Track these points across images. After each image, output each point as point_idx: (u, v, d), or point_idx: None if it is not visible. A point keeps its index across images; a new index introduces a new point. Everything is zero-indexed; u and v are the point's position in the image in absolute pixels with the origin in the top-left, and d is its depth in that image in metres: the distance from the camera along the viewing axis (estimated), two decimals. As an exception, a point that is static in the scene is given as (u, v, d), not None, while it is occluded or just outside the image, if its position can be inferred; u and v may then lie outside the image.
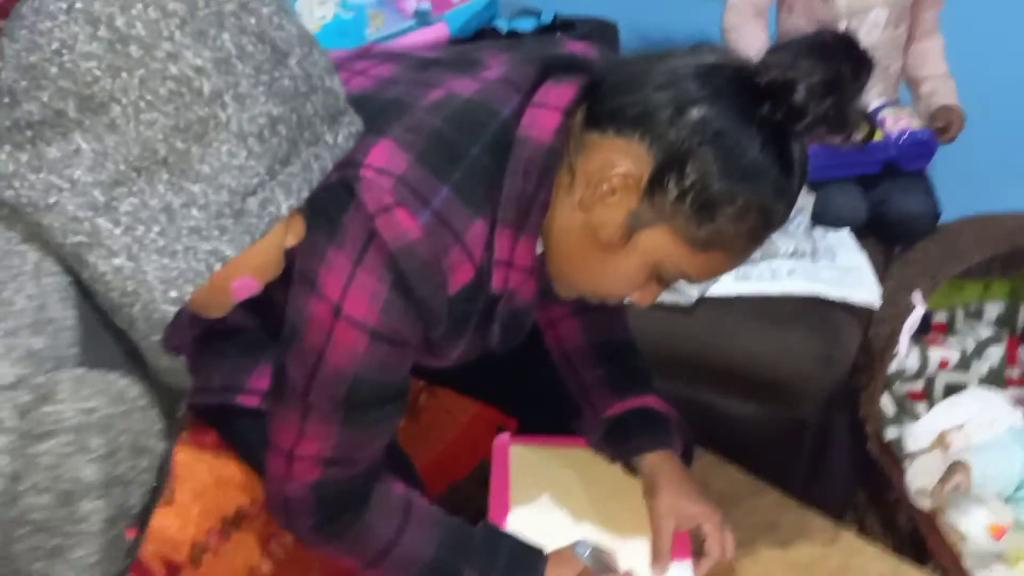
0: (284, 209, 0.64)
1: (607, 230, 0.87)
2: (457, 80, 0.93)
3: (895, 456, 1.63)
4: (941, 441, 1.60)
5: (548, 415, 1.24)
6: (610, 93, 0.88)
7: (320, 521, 0.96)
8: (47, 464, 0.59)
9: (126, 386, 0.61)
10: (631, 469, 1.16)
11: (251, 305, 0.74)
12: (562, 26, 2.25)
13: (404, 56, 1.02)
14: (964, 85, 2.19)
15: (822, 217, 1.85)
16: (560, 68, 0.94)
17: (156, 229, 0.61)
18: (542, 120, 0.89)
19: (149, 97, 0.59)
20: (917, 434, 1.61)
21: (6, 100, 0.60)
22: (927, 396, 1.76)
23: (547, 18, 2.24)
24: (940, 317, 1.85)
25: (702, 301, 1.61)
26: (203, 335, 1.04)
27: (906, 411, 1.73)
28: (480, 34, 2.07)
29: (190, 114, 0.60)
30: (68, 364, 0.59)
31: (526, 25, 2.18)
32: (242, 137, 0.61)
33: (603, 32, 2.32)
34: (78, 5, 0.59)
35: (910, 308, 1.62)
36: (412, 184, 0.84)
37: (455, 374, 1.05)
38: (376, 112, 0.84)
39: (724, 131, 0.82)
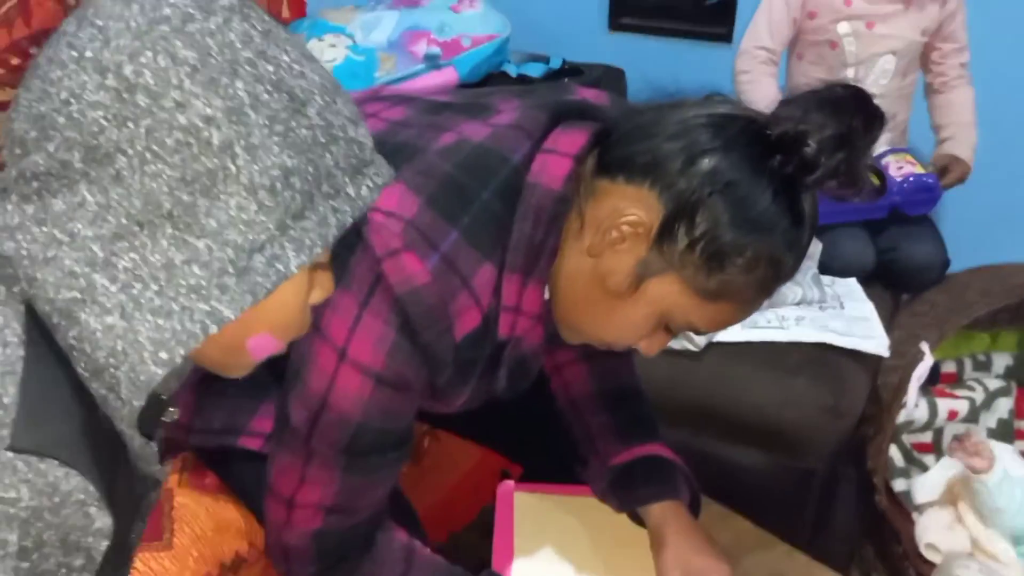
0: (293, 267, 0.61)
1: (616, 278, 0.87)
2: (468, 125, 0.93)
3: (904, 509, 1.61)
4: (950, 493, 1.58)
5: (553, 462, 1.23)
6: (621, 141, 0.88)
7: (321, 570, 0.94)
8: None
9: (59, 478, 0.56)
10: (637, 519, 1.14)
11: None
12: (570, 72, 2.26)
13: (416, 100, 1.03)
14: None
15: (830, 264, 1.84)
16: (571, 115, 0.95)
17: (154, 288, 0.58)
18: (552, 167, 0.89)
19: (155, 148, 0.57)
20: (926, 486, 1.59)
21: (17, 151, 0.58)
22: (936, 448, 1.74)
23: (555, 64, 2.26)
24: (948, 367, 1.84)
25: (710, 347, 1.60)
26: (205, 375, 1.03)
27: (914, 463, 1.71)
28: (489, 78, 2.08)
29: (198, 165, 0.57)
30: None
31: (535, 70, 2.19)
32: (252, 190, 0.58)
33: (611, 78, 2.34)
34: (88, 54, 0.57)
35: (918, 358, 1.61)
36: (421, 228, 0.84)
37: (459, 418, 1.04)
38: (387, 155, 0.84)
39: (735, 182, 0.82)
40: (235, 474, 1.08)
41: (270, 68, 0.60)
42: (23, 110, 0.58)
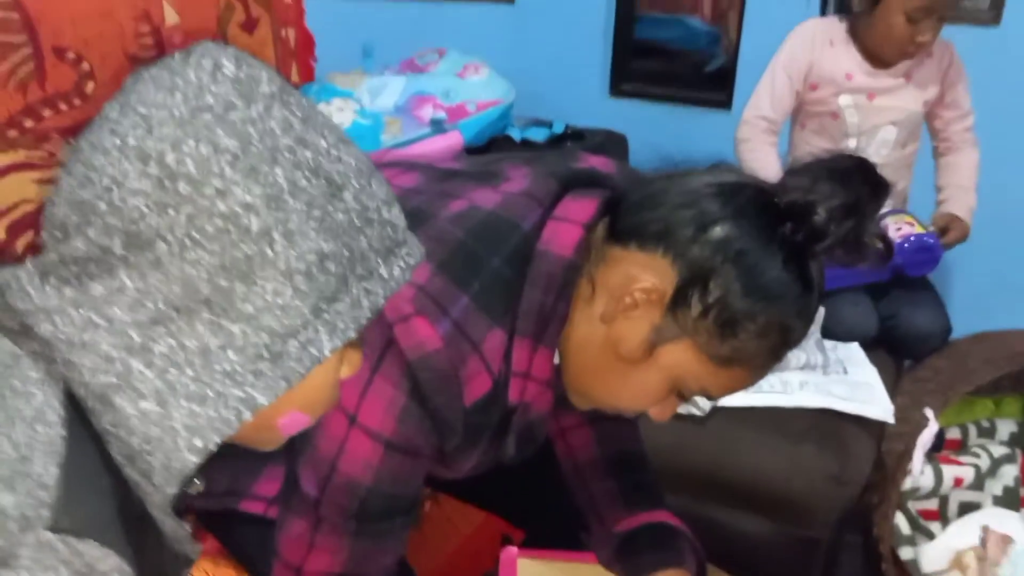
0: (327, 351, 0.61)
1: (629, 344, 0.87)
2: (479, 192, 0.94)
3: (910, 577, 1.59)
4: (958, 562, 1.56)
5: (556, 528, 1.21)
6: (632, 209, 0.88)
7: None
8: None
9: (97, 558, 0.56)
10: (642, 588, 1.12)
11: None
12: (573, 136, 2.29)
13: (426, 167, 1.04)
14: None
15: (833, 330, 1.84)
16: (580, 182, 0.96)
17: (190, 373, 0.58)
18: (563, 235, 0.89)
19: (195, 235, 0.56)
20: (933, 555, 1.58)
21: (58, 234, 0.59)
22: (942, 515, 1.72)
23: (558, 128, 2.29)
24: (953, 433, 1.83)
25: (714, 412, 1.60)
26: None
27: (921, 530, 1.69)
28: (493, 143, 2.10)
29: (236, 252, 0.57)
30: (37, 526, 0.55)
31: (538, 135, 2.22)
32: (289, 275, 0.58)
33: (613, 143, 2.37)
34: (131, 141, 0.57)
35: (923, 425, 1.60)
36: (432, 294, 0.84)
37: (461, 482, 1.03)
38: None
39: (746, 249, 0.83)
40: (236, 538, 1.06)
41: (308, 154, 0.60)
42: (65, 195, 0.58)
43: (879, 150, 1.96)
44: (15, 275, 0.60)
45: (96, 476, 0.59)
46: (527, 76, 2.37)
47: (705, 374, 0.87)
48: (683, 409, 1.56)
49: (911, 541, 1.67)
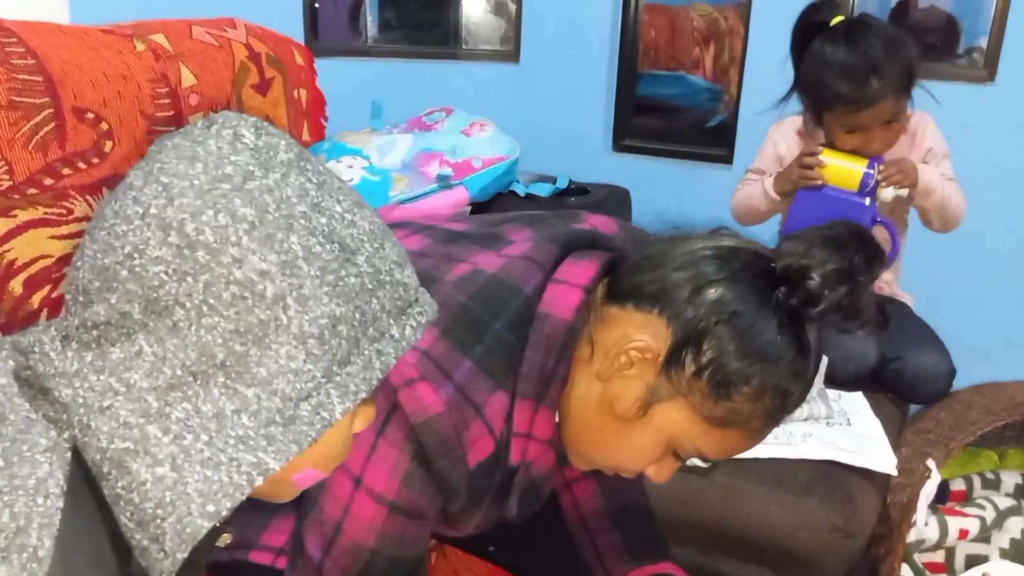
0: (338, 414, 0.61)
1: (624, 403, 0.88)
2: (482, 255, 0.96)
3: (918, 632, 1.58)
4: (965, 617, 1.55)
5: (561, 581, 1.22)
6: (630, 270, 0.90)
7: None
8: None
9: None
10: (649, 640, 1.12)
11: None
12: (576, 191, 2.32)
13: (434, 228, 1.06)
14: (969, 252, 2.23)
15: (830, 357, 1.80)
16: (581, 244, 0.98)
17: (204, 438, 0.58)
18: (563, 297, 0.91)
19: (212, 301, 0.58)
20: (940, 609, 1.57)
21: (80, 299, 0.60)
22: (948, 568, 1.71)
23: (562, 183, 2.32)
24: (958, 484, 1.83)
25: (718, 464, 1.60)
26: None
27: (927, 584, 1.68)
28: (498, 197, 2.14)
29: (251, 317, 0.58)
30: None
31: (542, 190, 2.25)
32: (302, 339, 0.59)
33: (616, 198, 2.39)
34: (152, 211, 0.58)
35: (926, 476, 1.60)
36: (436, 358, 0.85)
37: (469, 536, 1.04)
38: None
39: (741, 312, 0.84)
40: (244, 590, 1.07)
41: (323, 220, 0.61)
42: (88, 260, 0.60)
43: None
44: (38, 339, 0.61)
45: (94, 548, 0.60)
46: (532, 132, 2.41)
47: (700, 435, 0.88)
48: (688, 461, 1.57)
49: (918, 594, 1.66)
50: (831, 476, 1.59)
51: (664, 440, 0.89)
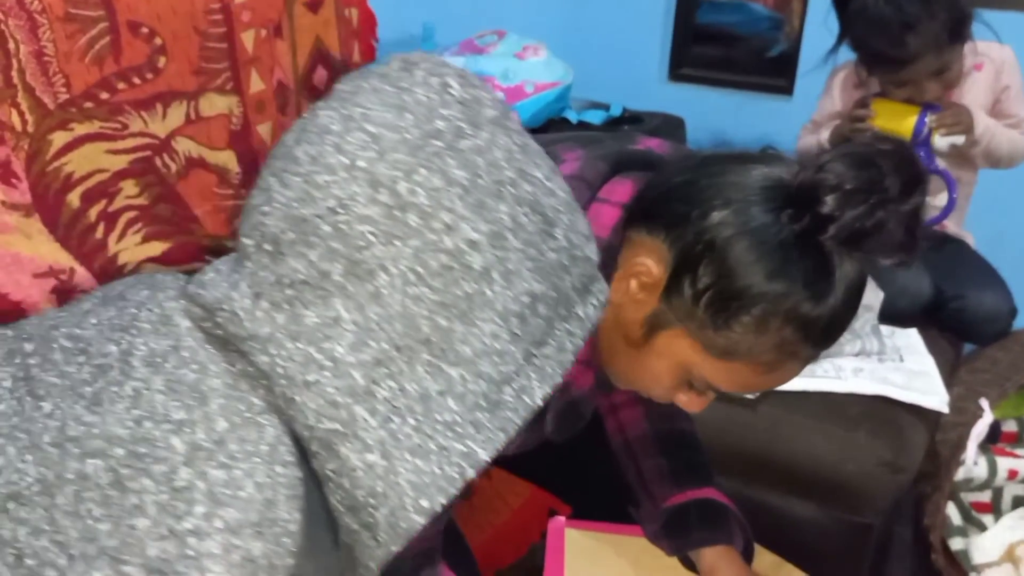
0: (539, 398, 0.58)
1: (631, 328, 0.86)
2: None
3: (961, 568, 1.57)
4: (1010, 555, 1.54)
5: (603, 503, 1.23)
6: (649, 193, 0.88)
7: None
8: None
9: None
10: (689, 563, 1.14)
11: None
12: (630, 120, 2.29)
13: None
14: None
15: (884, 298, 1.78)
16: (632, 164, 0.96)
17: (411, 422, 0.54)
18: (603, 216, 0.90)
19: (420, 269, 0.54)
20: (984, 547, 1.56)
21: (268, 247, 0.56)
22: (995, 507, 1.70)
23: (616, 111, 2.29)
24: (1010, 426, 1.80)
25: (765, 395, 1.59)
26: None
27: (972, 522, 1.67)
28: (550, 124, 2.11)
29: (457, 290, 0.54)
30: (280, 575, 0.53)
31: (595, 117, 2.22)
32: (505, 317, 0.56)
33: (671, 127, 2.36)
34: (360, 163, 0.54)
35: (978, 415, 1.58)
36: None
37: (511, 456, 1.05)
38: None
39: (739, 236, 0.78)
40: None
41: (528, 188, 0.58)
42: (280, 208, 0.55)
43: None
44: (228, 296, 0.56)
45: (324, 523, 0.57)
46: (586, 59, 2.37)
47: (704, 364, 0.84)
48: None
49: (962, 532, 1.65)
50: (881, 411, 1.57)
51: (673, 368, 0.86)
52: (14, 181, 1.00)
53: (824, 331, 0.81)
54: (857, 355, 1.68)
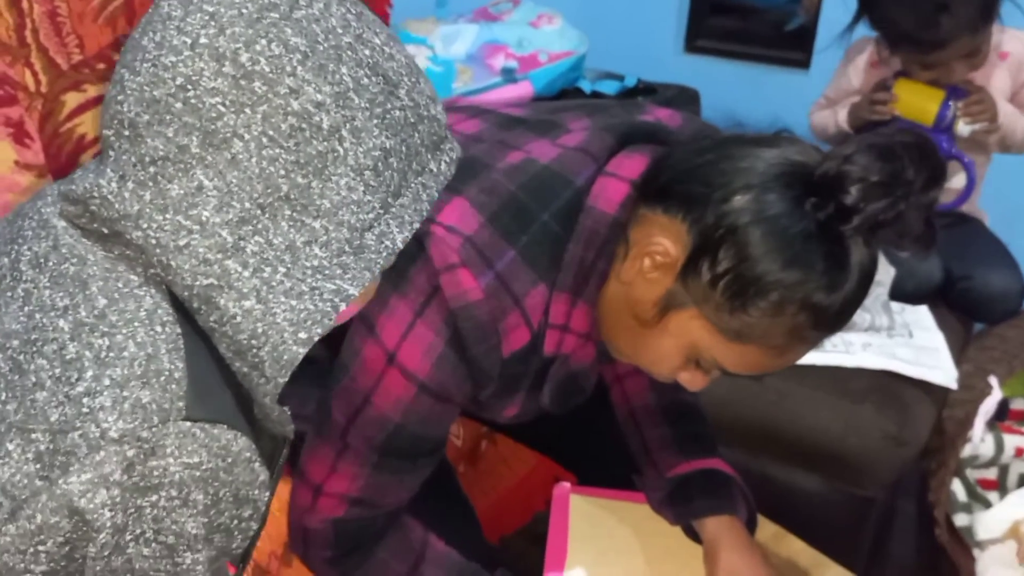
0: (399, 242, 0.64)
1: (642, 306, 0.87)
2: (537, 144, 0.94)
3: (964, 544, 1.58)
4: (1014, 532, 1.54)
5: (607, 473, 1.24)
6: (666, 171, 0.88)
7: (336, 556, 0.97)
8: (151, 516, 0.59)
9: (230, 440, 0.61)
10: (692, 533, 1.14)
11: (326, 339, 0.76)
12: (644, 91, 2.28)
13: (491, 113, 1.04)
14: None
15: (894, 280, 1.78)
16: (640, 136, 0.95)
17: (282, 270, 0.60)
18: (610, 191, 0.90)
19: (271, 133, 0.59)
20: (989, 523, 1.56)
21: (127, 133, 0.60)
22: (1000, 485, 1.70)
23: (630, 82, 2.27)
24: (1018, 404, 1.79)
25: (769, 370, 1.60)
26: None
27: (977, 499, 1.67)
28: (563, 94, 2.10)
29: (310, 149, 0.59)
30: (174, 418, 0.58)
31: (609, 88, 2.21)
32: (359, 171, 0.61)
33: (685, 99, 2.34)
34: (202, 40, 0.58)
35: (986, 392, 1.58)
36: (479, 245, 0.85)
37: (518, 424, 1.06)
38: (456, 169, 0.87)
39: (762, 222, 0.79)
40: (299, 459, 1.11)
41: (367, 52, 0.62)
42: (133, 93, 0.60)
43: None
44: (95, 184, 0.62)
45: (212, 369, 0.63)
46: (600, 29, 2.35)
47: (716, 346, 0.85)
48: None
49: (967, 509, 1.65)
50: (887, 385, 1.58)
51: (682, 347, 0.87)
52: (27, 141, 1.00)
53: (836, 317, 0.83)
54: (867, 330, 1.67)
